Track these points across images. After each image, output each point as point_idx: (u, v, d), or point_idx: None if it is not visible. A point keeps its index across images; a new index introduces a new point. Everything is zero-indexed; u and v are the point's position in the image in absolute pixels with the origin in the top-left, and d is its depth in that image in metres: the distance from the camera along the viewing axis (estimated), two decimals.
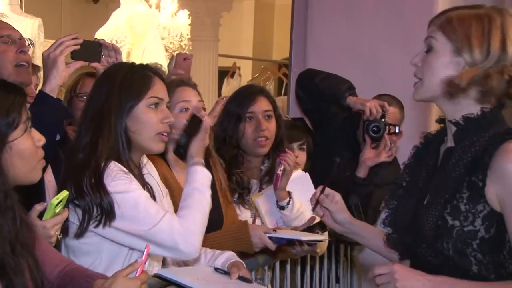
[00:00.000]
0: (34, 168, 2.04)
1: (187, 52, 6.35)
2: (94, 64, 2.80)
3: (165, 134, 2.54)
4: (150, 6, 5.80)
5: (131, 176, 2.45)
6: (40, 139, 2.04)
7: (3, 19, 3.40)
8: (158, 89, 2.52)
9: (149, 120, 2.49)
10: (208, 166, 2.88)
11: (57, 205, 2.13)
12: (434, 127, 3.75)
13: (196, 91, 2.94)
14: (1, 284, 1.81)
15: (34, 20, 5.25)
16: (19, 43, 2.74)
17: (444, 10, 1.96)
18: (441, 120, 2.05)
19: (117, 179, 2.41)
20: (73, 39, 2.72)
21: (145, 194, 2.41)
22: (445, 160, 1.93)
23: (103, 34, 5.41)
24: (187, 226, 2.38)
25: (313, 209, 2.36)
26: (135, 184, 2.43)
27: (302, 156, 3.41)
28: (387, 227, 2.07)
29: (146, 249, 2.03)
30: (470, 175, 1.83)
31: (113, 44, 2.87)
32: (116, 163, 2.45)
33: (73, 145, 2.55)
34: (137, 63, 2.75)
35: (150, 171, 2.67)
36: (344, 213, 2.28)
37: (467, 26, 1.87)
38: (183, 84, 2.89)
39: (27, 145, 2.00)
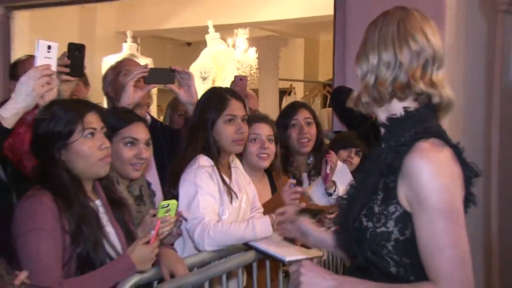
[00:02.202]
0: (94, 165, 1.97)
1: (255, 79, 6.34)
2: (169, 86, 2.70)
3: (241, 140, 2.50)
4: (228, 46, 5.80)
5: (214, 169, 2.41)
6: (102, 143, 1.97)
7: (134, 58, 3.38)
8: (233, 108, 2.48)
9: (226, 132, 2.46)
10: (270, 176, 2.85)
11: (162, 207, 2.04)
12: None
13: (267, 124, 2.82)
14: None
15: (147, 59, 5.31)
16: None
17: None
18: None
19: (198, 175, 2.37)
20: (142, 70, 2.61)
21: (209, 191, 2.35)
22: (371, 161, 1.53)
23: (195, 67, 5.43)
24: (216, 237, 2.26)
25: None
26: (208, 180, 2.38)
27: (356, 160, 3.36)
28: (336, 225, 1.71)
29: (157, 224, 1.95)
30: (385, 176, 1.41)
31: (184, 69, 2.77)
32: (207, 157, 2.42)
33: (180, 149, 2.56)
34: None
35: (237, 164, 2.63)
36: (309, 224, 1.92)
37: (364, 39, 1.52)
38: (257, 119, 2.78)
39: (84, 147, 1.94)
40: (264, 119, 2.83)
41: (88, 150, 1.93)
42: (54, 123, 1.92)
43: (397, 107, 1.46)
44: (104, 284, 1.84)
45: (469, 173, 1.42)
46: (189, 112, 2.71)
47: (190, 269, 2.13)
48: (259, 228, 2.29)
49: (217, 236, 2.24)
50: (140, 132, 2.31)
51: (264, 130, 2.76)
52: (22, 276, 1.59)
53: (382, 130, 1.52)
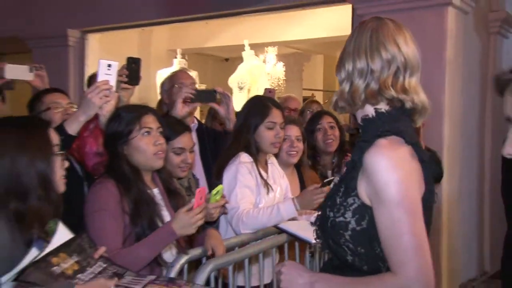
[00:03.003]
0: (149, 158, 1.98)
1: (282, 89, 6.31)
2: (211, 104, 2.72)
3: (278, 143, 2.51)
4: (261, 61, 5.78)
5: (253, 165, 2.42)
6: (157, 140, 1.99)
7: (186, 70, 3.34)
8: (274, 116, 2.48)
9: (266, 136, 2.46)
10: (299, 170, 2.84)
11: (215, 194, 2.04)
12: (447, 132, 3.56)
13: (296, 126, 2.80)
14: None
15: (193, 72, 5.34)
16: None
17: None
18: None
19: (239, 170, 2.38)
20: (190, 90, 2.62)
21: (247, 184, 2.37)
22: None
23: (233, 78, 5.45)
24: (248, 222, 2.28)
25: None
26: (247, 174, 2.39)
27: None
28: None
29: (196, 193, 1.87)
30: (349, 170, 1.30)
31: (224, 91, 2.77)
32: (247, 155, 2.44)
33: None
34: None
35: (273, 161, 2.63)
36: None
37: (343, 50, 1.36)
38: (287, 122, 2.74)
39: (141, 143, 1.96)
40: (293, 121, 2.82)
41: (145, 145, 1.95)
42: (118, 123, 1.97)
43: (370, 110, 1.33)
44: (151, 249, 1.83)
45: (427, 171, 1.27)
46: (226, 126, 2.75)
47: (232, 249, 2.14)
48: (283, 210, 2.29)
49: (249, 221, 2.26)
50: (186, 141, 2.35)
51: (293, 131, 2.75)
52: (101, 250, 1.60)
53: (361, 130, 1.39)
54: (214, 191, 2.04)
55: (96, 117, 2.07)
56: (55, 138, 1.64)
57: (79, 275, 1.46)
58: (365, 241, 1.25)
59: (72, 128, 1.96)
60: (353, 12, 3.95)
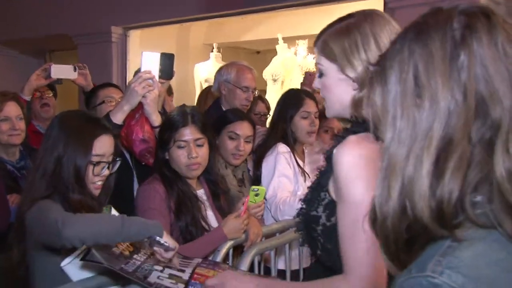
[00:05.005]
0: (182, 169, 2.03)
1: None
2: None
3: (313, 132, 2.50)
4: (293, 53, 5.74)
5: (291, 155, 2.43)
6: (190, 154, 2.01)
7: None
8: (308, 106, 2.48)
9: (302, 126, 2.46)
10: None
11: (257, 195, 2.05)
12: None
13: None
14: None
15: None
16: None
17: (321, 31, 1.27)
18: None
19: (277, 160, 2.39)
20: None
21: (285, 173, 2.38)
22: None
23: (268, 71, 5.44)
24: (285, 209, 2.32)
25: None
26: (285, 164, 2.40)
27: None
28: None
29: (245, 201, 1.95)
30: (326, 167, 1.23)
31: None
32: (285, 145, 2.45)
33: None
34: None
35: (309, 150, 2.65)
36: None
37: (341, 44, 1.19)
38: None
39: (174, 155, 2.01)
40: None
41: (178, 157, 1.98)
42: (162, 130, 2.03)
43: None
44: (203, 249, 1.91)
45: None
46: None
47: (273, 235, 2.16)
48: None
49: (285, 208, 2.29)
50: (243, 129, 2.34)
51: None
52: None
53: None
54: (252, 188, 2.09)
55: (140, 106, 2.09)
56: (105, 146, 1.67)
57: (134, 256, 1.51)
58: (334, 237, 1.16)
59: (117, 117, 1.99)
60: (384, 6, 3.87)
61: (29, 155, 2.30)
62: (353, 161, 1.10)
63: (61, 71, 2.75)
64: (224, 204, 2.12)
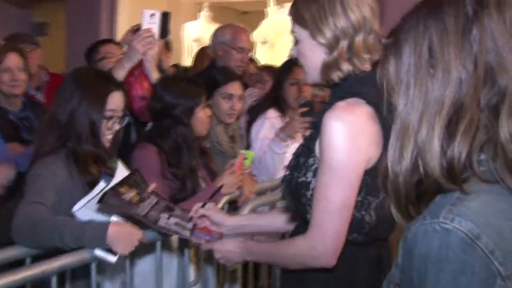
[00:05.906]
0: (204, 129, 2.10)
1: None
2: None
3: (301, 98, 2.61)
4: (285, 15, 5.70)
5: (279, 121, 2.58)
6: (206, 112, 2.08)
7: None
8: (297, 73, 2.56)
9: (290, 92, 2.56)
10: None
11: (246, 159, 2.11)
12: None
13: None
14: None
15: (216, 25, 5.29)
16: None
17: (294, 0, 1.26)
18: None
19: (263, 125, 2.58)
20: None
21: (266, 136, 2.52)
22: None
23: (257, 33, 5.41)
24: (267, 165, 2.49)
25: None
26: (270, 128, 2.57)
27: None
28: None
29: (240, 156, 2.01)
30: (313, 133, 1.24)
31: None
32: (275, 110, 2.55)
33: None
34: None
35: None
36: (221, 214, 1.59)
37: (310, 10, 1.19)
38: None
39: (202, 115, 2.06)
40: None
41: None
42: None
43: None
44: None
45: (388, 135, 1.15)
46: None
47: (265, 192, 2.25)
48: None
49: (268, 164, 2.42)
50: (236, 89, 2.38)
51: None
52: (152, 186, 1.71)
53: None
54: (244, 156, 2.12)
55: (141, 63, 2.11)
56: (117, 102, 1.72)
57: (141, 203, 1.58)
58: None
59: (119, 74, 2.01)
60: None
61: (31, 108, 2.32)
62: (338, 126, 1.12)
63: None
64: (209, 161, 2.18)
